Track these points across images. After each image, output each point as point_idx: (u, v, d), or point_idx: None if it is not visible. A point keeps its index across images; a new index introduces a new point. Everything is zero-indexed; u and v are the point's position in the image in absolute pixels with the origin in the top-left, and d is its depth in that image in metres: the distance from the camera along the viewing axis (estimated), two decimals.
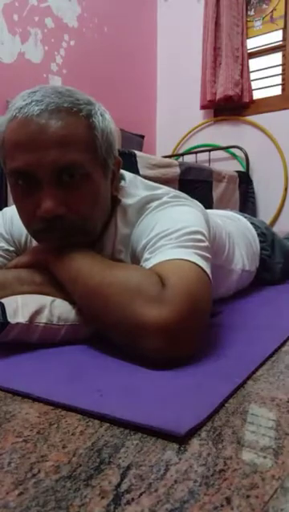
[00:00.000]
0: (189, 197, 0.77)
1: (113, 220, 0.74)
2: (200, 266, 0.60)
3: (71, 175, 0.63)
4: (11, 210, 0.85)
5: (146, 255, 0.65)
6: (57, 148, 0.60)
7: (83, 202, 0.65)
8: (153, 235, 0.65)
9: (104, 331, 0.61)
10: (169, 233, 0.64)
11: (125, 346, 0.58)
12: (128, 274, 0.59)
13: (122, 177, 0.78)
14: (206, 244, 0.66)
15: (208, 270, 0.61)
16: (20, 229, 0.82)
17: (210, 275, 0.61)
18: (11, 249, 0.85)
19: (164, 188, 0.77)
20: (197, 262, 0.60)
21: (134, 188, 0.76)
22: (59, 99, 0.62)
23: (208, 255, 0.64)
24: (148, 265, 0.62)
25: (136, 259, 0.70)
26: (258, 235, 1.19)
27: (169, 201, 0.71)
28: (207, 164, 2.59)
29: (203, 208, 0.77)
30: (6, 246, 0.85)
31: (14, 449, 0.37)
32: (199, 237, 0.65)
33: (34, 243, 0.81)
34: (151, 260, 0.62)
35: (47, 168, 0.61)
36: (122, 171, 0.79)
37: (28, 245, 0.83)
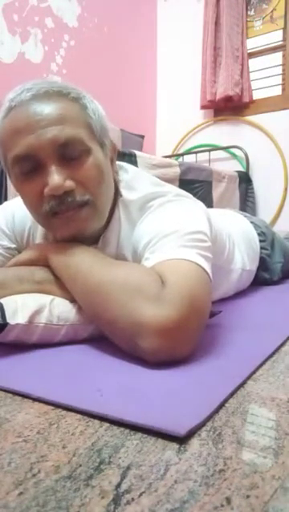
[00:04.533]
0: (192, 197, 0.77)
1: (116, 214, 0.74)
2: (201, 266, 0.59)
3: (73, 151, 0.64)
4: (12, 204, 0.85)
5: (147, 254, 0.65)
6: (54, 125, 0.62)
7: (88, 176, 0.65)
8: (155, 234, 0.65)
9: (103, 328, 0.61)
10: (171, 232, 0.64)
11: (124, 344, 0.58)
12: (127, 272, 0.59)
13: (125, 170, 0.78)
14: (208, 244, 0.65)
15: (208, 270, 0.61)
16: (22, 224, 0.82)
17: (211, 275, 0.61)
18: (13, 246, 0.84)
19: (168, 186, 0.77)
20: (198, 262, 0.60)
21: (137, 182, 0.75)
22: (48, 85, 0.65)
23: (209, 255, 0.64)
24: (149, 264, 0.62)
25: (137, 257, 0.70)
26: (258, 234, 1.19)
27: (172, 199, 0.71)
28: (207, 164, 2.58)
29: (205, 208, 0.77)
30: (8, 244, 0.84)
31: (14, 449, 0.37)
32: (201, 237, 0.65)
33: (37, 239, 0.81)
34: (152, 259, 0.62)
35: (48, 147, 0.62)
36: (126, 164, 0.79)
37: (30, 241, 0.83)
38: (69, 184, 0.63)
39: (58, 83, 0.67)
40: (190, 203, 0.73)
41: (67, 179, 0.63)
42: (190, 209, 0.71)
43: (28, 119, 0.62)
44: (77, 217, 0.66)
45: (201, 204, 0.76)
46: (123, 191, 0.74)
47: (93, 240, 0.73)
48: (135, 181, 0.75)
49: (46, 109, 0.63)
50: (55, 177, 0.62)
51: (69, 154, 0.64)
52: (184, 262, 0.59)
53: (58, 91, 0.65)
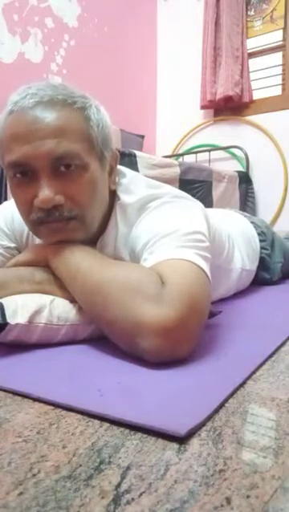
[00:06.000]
0: (190, 197, 0.77)
1: (113, 218, 0.74)
2: (199, 266, 0.60)
3: (68, 165, 0.63)
4: (11, 205, 0.85)
5: (145, 255, 0.65)
6: (52, 138, 0.61)
7: (80, 192, 0.65)
8: (153, 235, 0.65)
9: (103, 328, 0.61)
10: (169, 233, 0.64)
11: (124, 344, 0.58)
12: (127, 272, 0.59)
13: (123, 174, 0.78)
14: (206, 244, 0.65)
15: (207, 270, 0.61)
16: (22, 224, 0.82)
17: (209, 275, 0.61)
18: (12, 245, 0.85)
19: (166, 188, 0.77)
20: (197, 262, 0.60)
21: (135, 185, 0.75)
22: (54, 92, 0.64)
23: (208, 255, 0.64)
24: (147, 264, 0.62)
25: (135, 259, 0.70)
26: (258, 234, 1.19)
27: (169, 200, 0.71)
28: (207, 164, 2.58)
29: (203, 207, 0.77)
30: (8, 244, 0.84)
31: (14, 449, 0.37)
32: (199, 237, 0.65)
33: (37, 239, 0.82)
34: (150, 259, 0.62)
35: (43, 159, 0.62)
36: (124, 168, 0.79)
37: (30, 241, 0.83)
38: (58, 199, 0.63)
39: (64, 88, 0.65)
40: (188, 204, 0.73)
41: (58, 193, 0.63)
42: (188, 209, 0.71)
43: (27, 127, 0.61)
44: (64, 229, 0.66)
45: (199, 204, 0.76)
46: (120, 194, 0.74)
47: (90, 243, 0.73)
48: (132, 185, 0.75)
49: (47, 119, 0.61)
50: (45, 191, 0.62)
51: (64, 168, 0.63)
52: (183, 262, 0.59)
53: (62, 100, 0.63)
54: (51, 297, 0.66)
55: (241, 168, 2.66)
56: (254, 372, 0.55)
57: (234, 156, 2.76)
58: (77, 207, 0.65)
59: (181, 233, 0.63)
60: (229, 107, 2.74)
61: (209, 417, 0.42)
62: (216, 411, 0.44)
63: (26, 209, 0.67)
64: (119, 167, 0.78)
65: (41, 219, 0.65)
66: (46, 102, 0.62)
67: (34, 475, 0.33)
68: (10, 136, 0.63)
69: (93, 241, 0.74)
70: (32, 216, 0.66)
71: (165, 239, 0.63)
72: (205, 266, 0.61)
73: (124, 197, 0.73)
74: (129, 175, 0.78)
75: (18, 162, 0.63)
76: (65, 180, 0.64)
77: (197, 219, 0.69)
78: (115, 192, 0.75)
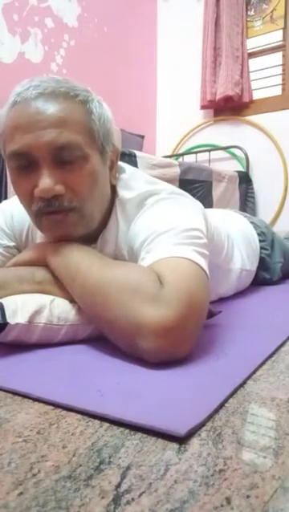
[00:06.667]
0: (188, 194, 0.77)
1: (114, 214, 0.74)
2: (198, 264, 0.60)
3: (69, 155, 0.63)
4: (10, 204, 0.85)
5: (143, 253, 0.65)
6: (54, 128, 0.62)
7: (80, 182, 0.65)
8: (151, 232, 0.65)
9: (103, 329, 0.61)
10: (166, 230, 0.64)
11: (123, 344, 0.58)
12: (126, 272, 0.59)
13: (123, 170, 0.78)
14: (204, 241, 0.66)
15: (205, 268, 0.61)
16: (21, 222, 0.82)
17: (208, 272, 0.62)
18: (12, 244, 0.85)
19: (163, 184, 0.77)
20: (195, 260, 0.60)
21: (134, 180, 0.76)
22: (56, 85, 0.64)
23: (206, 252, 0.64)
24: (146, 262, 0.62)
25: (133, 255, 0.70)
26: (258, 234, 1.20)
27: (166, 197, 0.72)
28: (207, 164, 2.58)
29: (201, 205, 0.77)
30: (7, 243, 0.85)
31: (14, 449, 0.37)
32: (197, 233, 0.65)
33: (37, 238, 0.82)
34: (149, 257, 0.62)
35: (44, 149, 0.62)
36: (123, 164, 0.80)
37: (30, 239, 0.83)
38: (59, 188, 0.63)
39: (67, 82, 0.66)
40: (185, 200, 0.74)
41: (58, 183, 0.63)
42: (185, 206, 0.71)
43: (29, 117, 0.62)
44: (64, 222, 0.66)
45: (196, 202, 0.76)
46: (120, 190, 0.74)
47: (92, 239, 0.73)
48: (132, 180, 0.75)
49: (49, 110, 0.62)
50: (46, 180, 0.62)
51: (65, 158, 0.63)
52: (181, 259, 0.59)
53: (64, 93, 0.64)
54: (51, 297, 0.66)
55: (241, 168, 2.66)
56: (254, 372, 0.55)
57: (234, 156, 2.76)
58: (77, 198, 0.65)
59: (178, 230, 0.63)
60: (229, 107, 2.74)
61: (209, 417, 0.42)
62: (216, 411, 0.44)
63: (27, 199, 0.67)
64: (119, 163, 0.78)
65: (41, 209, 0.65)
66: (48, 93, 0.63)
67: (34, 475, 0.33)
68: (12, 127, 0.63)
69: (94, 237, 0.74)
70: (33, 207, 0.66)
71: (163, 236, 0.63)
72: (204, 264, 0.61)
73: (124, 193, 0.74)
74: (129, 170, 0.78)
75: (19, 152, 0.63)
76: (65, 171, 0.64)
77: (195, 216, 0.69)
78: (116, 188, 0.75)
